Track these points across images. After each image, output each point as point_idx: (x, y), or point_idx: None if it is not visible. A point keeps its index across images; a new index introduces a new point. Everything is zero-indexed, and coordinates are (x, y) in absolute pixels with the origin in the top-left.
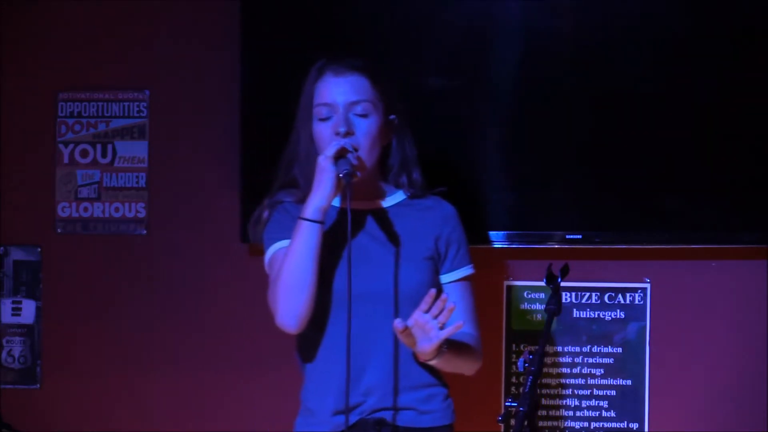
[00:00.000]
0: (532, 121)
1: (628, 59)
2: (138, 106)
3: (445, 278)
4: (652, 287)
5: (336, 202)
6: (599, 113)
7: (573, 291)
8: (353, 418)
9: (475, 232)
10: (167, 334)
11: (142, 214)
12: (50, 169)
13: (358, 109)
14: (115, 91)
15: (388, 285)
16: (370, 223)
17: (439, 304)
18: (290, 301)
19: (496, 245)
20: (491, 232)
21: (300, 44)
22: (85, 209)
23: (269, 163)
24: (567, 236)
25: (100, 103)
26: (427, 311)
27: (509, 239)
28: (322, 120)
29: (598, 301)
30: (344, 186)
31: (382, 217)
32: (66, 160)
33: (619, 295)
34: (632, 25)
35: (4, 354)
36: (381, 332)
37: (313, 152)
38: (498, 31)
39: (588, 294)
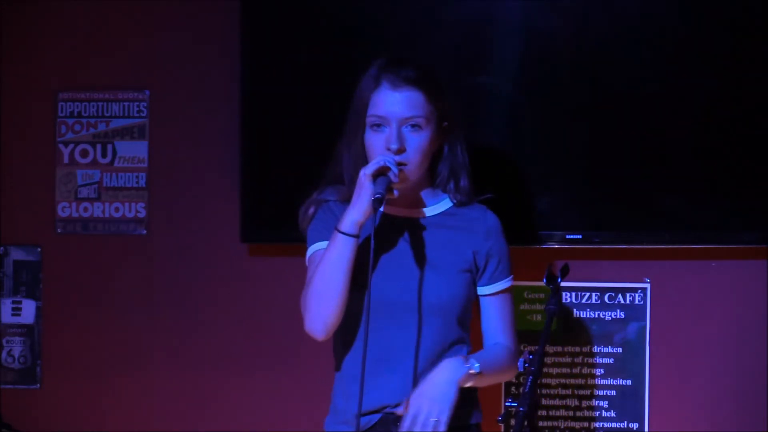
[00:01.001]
0: (531, 120)
1: (628, 59)
2: (138, 106)
3: (482, 291)
4: (652, 287)
5: (381, 207)
6: (599, 113)
7: (573, 291)
8: (377, 416)
9: None
10: (167, 334)
11: (142, 214)
12: (50, 169)
13: (411, 123)
14: (115, 91)
15: (416, 296)
16: (411, 232)
17: None
18: (319, 309)
19: None
20: None
21: (300, 44)
22: (85, 209)
23: (269, 163)
24: (567, 236)
25: (100, 103)
26: None
27: (509, 239)
28: (375, 130)
29: (598, 301)
30: (375, 206)
31: (423, 227)
32: (66, 160)
33: (619, 295)
34: (632, 25)
35: (4, 354)
36: (406, 341)
37: (363, 156)
38: (498, 31)
39: (588, 294)
